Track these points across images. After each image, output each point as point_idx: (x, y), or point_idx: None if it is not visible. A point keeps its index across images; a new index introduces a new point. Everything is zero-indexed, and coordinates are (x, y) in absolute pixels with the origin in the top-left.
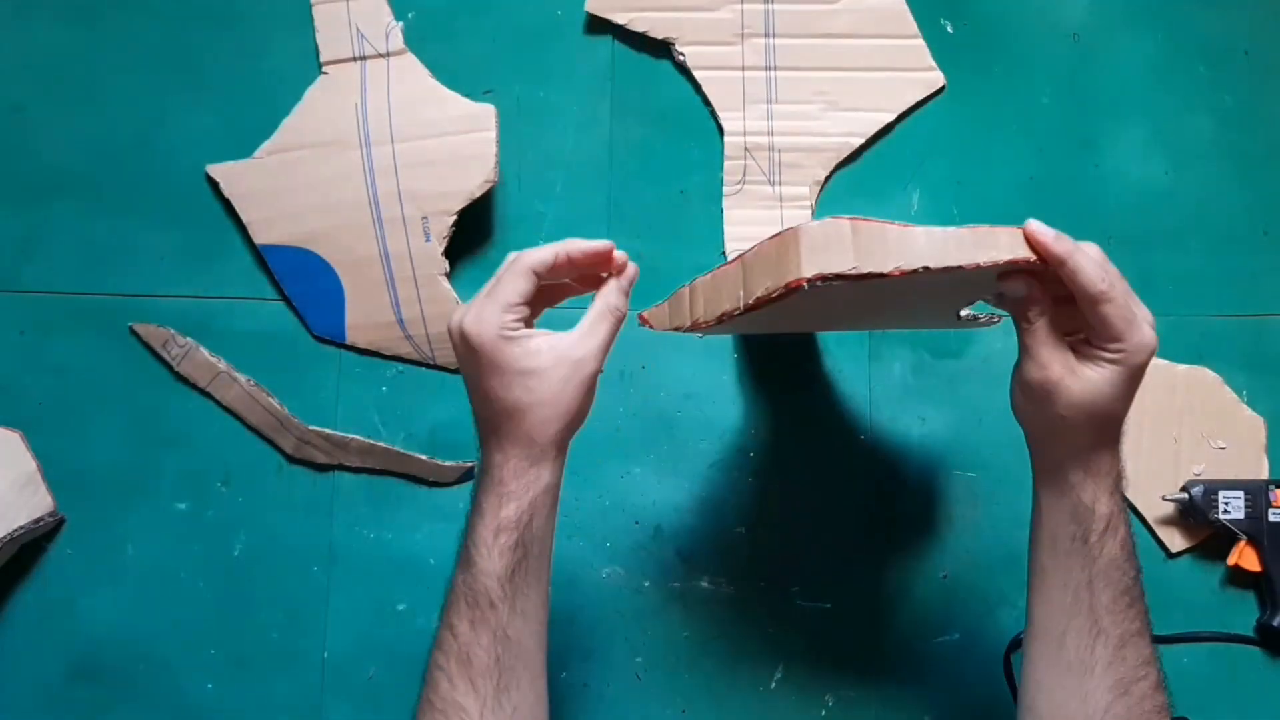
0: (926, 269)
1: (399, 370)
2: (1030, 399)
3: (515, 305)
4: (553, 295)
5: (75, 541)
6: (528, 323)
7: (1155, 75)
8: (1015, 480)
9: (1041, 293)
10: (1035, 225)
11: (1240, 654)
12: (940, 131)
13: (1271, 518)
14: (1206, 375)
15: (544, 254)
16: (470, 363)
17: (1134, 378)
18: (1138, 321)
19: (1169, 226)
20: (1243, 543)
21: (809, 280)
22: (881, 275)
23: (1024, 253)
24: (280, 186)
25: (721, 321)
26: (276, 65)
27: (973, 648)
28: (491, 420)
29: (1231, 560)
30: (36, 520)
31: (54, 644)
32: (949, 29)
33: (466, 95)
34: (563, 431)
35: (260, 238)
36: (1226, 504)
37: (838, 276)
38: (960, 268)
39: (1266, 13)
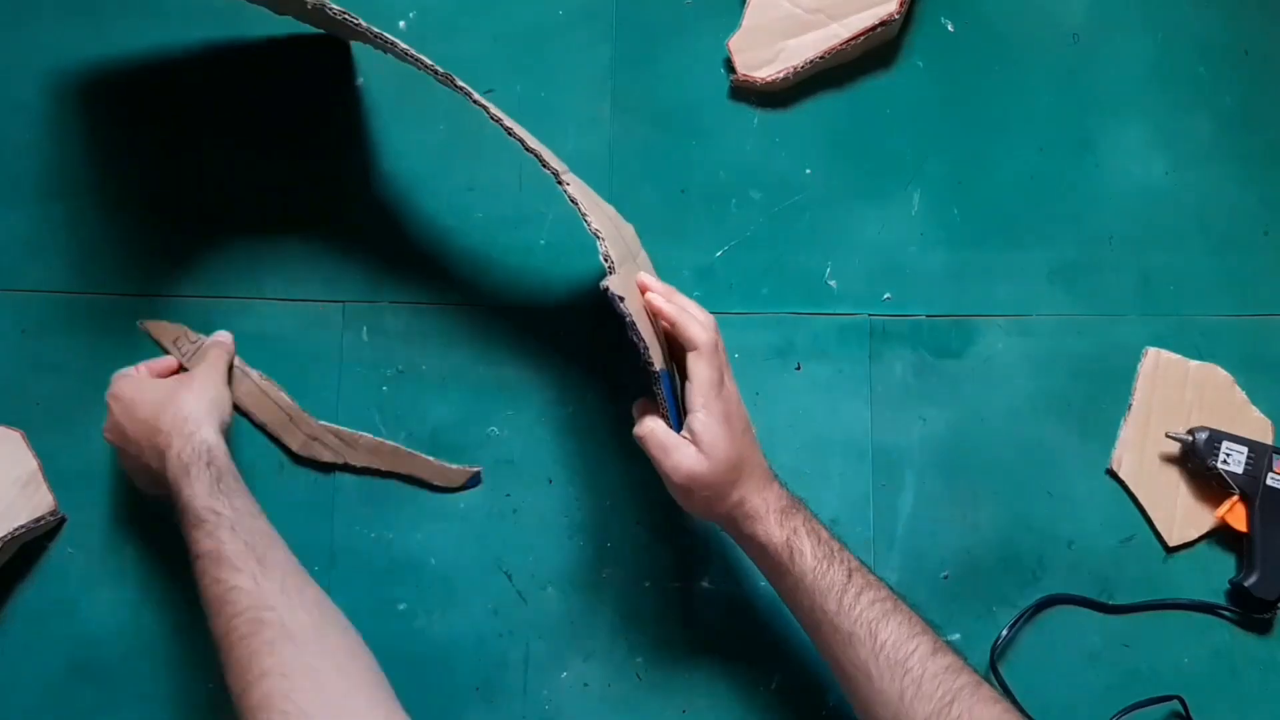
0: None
1: (400, 370)
2: (683, 495)
3: None
4: None
5: (76, 541)
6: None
7: (1155, 75)
8: (1015, 480)
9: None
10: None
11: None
12: (940, 131)
13: (1269, 482)
14: (1218, 373)
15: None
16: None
17: (710, 368)
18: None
19: (1169, 226)
20: (1235, 498)
21: None
22: None
23: None
24: None
25: None
26: None
27: (973, 648)
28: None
29: (1219, 514)
30: (37, 519)
31: (54, 644)
32: (949, 29)
33: None
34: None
35: None
36: (1228, 455)
37: None
38: None
39: (1266, 13)
